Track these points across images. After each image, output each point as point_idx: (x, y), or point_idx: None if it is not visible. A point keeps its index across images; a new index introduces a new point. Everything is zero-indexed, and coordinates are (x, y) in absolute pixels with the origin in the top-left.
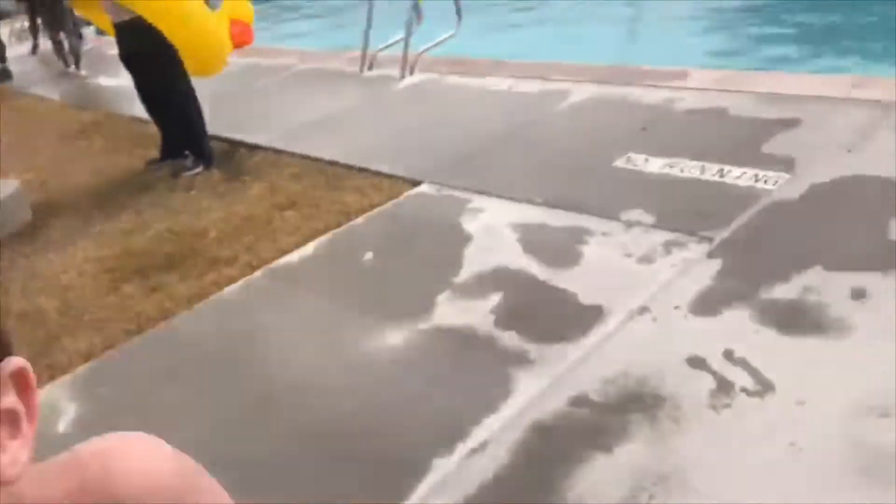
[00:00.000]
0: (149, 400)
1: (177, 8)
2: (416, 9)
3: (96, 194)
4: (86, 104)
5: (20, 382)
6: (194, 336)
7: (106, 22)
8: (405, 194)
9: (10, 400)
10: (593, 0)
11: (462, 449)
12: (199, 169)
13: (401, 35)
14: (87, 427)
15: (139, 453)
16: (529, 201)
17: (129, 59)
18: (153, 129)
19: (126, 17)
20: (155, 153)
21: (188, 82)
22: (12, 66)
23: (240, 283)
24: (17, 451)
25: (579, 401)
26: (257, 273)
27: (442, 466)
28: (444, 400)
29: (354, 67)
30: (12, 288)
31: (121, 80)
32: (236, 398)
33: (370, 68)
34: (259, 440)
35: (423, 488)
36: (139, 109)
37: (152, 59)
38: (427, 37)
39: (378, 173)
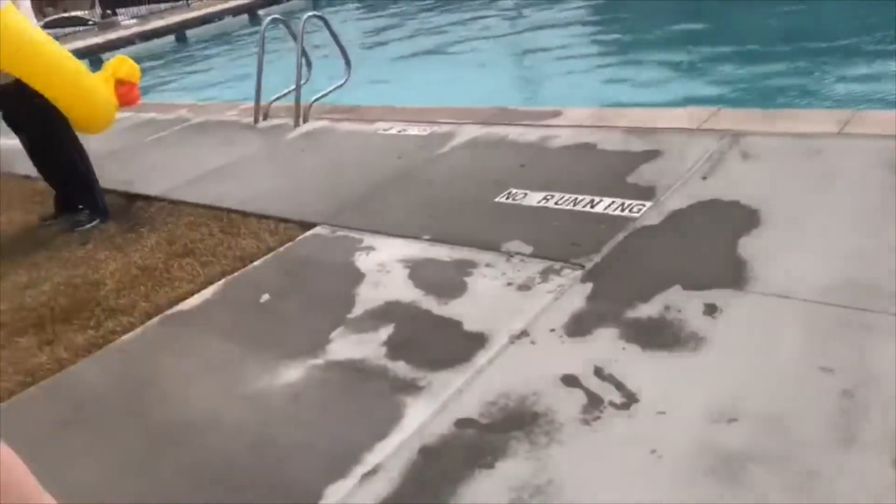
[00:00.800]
0: (45, 446)
1: (55, 71)
2: (306, 59)
3: None
4: None
5: None
6: (92, 384)
7: None
8: (300, 237)
9: None
10: (477, 40)
11: (356, 474)
12: (95, 222)
13: (292, 86)
14: None
15: None
16: (418, 238)
17: (13, 121)
18: (45, 186)
19: (4, 81)
20: (50, 209)
21: (74, 140)
22: None
23: (138, 330)
24: None
25: (464, 423)
26: (154, 320)
27: (335, 492)
28: (338, 429)
29: (249, 118)
30: None
31: (11, 140)
32: (134, 442)
33: (265, 118)
34: (155, 481)
35: None
36: (31, 167)
37: (35, 120)
38: (319, 87)
39: (274, 218)
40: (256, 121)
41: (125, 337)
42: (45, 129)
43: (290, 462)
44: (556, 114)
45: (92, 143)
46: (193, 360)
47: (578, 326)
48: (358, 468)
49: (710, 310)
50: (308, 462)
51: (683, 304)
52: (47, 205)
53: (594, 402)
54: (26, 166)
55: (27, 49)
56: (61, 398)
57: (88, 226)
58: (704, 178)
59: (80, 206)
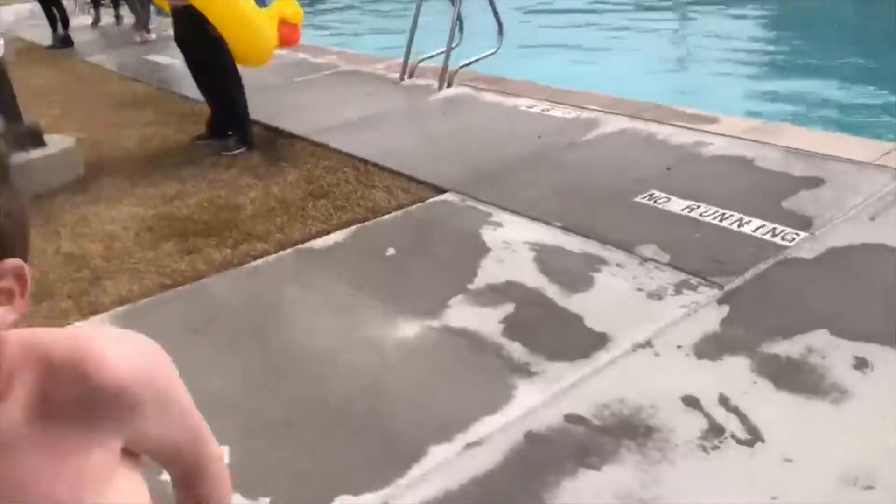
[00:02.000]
0: (175, 348)
1: (228, 4)
2: (459, 24)
3: (145, 160)
4: (140, 77)
5: (19, 274)
6: (223, 299)
7: (165, 4)
8: (430, 200)
9: (9, 283)
10: (637, 32)
11: (460, 441)
12: (241, 150)
13: (442, 48)
14: None
15: (112, 349)
16: (548, 223)
17: (182, 41)
18: (201, 108)
19: (181, 4)
20: (201, 130)
21: (235, 70)
22: (74, 36)
23: (270, 257)
24: (6, 315)
25: (574, 418)
26: (287, 251)
27: (438, 454)
28: (448, 394)
29: (394, 74)
30: (62, 231)
31: (174, 59)
32: (256, 361)
33: (410, 76)
34: (272, 402)
35: (416, 471)
36: (190, 88)
37: (201, 44)
38: (468, 53)
39: (407, 177)
40: (402, 78)
41: (258, 261)
42: (210, 54)
43: (399, 414)
44: (713, 120)
45: (245, 76)
46: (318, 297)
47: (708, 348)
48: (462, 436)
49: (861, 364)
50: (415, 418)
51: (830, 350)
52: (200, 125)
53: (715, 431)
54: (186, 87)
55: None
56: (195, 306)
57: (235, 152)
58: (872, 218)
59: (230, 133)
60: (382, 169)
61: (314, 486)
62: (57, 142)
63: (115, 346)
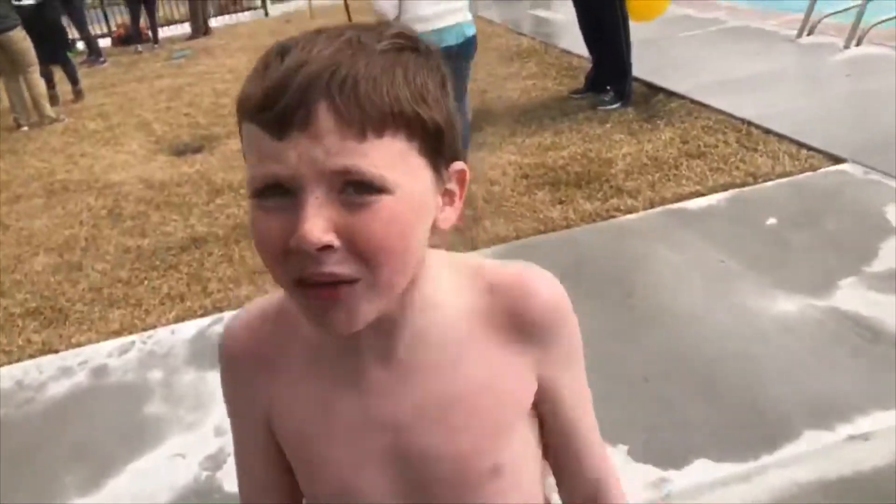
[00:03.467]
0: None
1: None
2: None
3: (524, 111)
4: (525, 31)
5: (460, 177)
6: (591, 248)
7: None
8: (823, 169)
9: (452, 186)
10: None
11: (841, 432)
12: (617, 105)
13: (854, 2)
14: None
15: (547, 281)
16: None
17: None
18: (579, 62)
19: None
20: (578, 84)
21: (626, 25)
22: None
23: (640, 213)
24: (450, 214)
25: None
26: (657, 209)
27: (814, 440)
28: (829, 378)
29: (790, 31)
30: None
31: (559, 15)
32: (619, 311)
33: (810, 33)
34: (635, 351)
35: (788, 450)
36: (570, 43)
37: None
38: (887, 9)
39: (796, 142)
40: (800, 35)
41: (627, 216)
42: (610, 4)
43: (771, 388)
44: None
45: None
46: (687, 258)
47: None
48: (846, 427)
49: None
50: (788, 396)
51: None
52: (578, 80)
53: None
54: (568, 40)
55: None
56: (564, 252)
57: (610, 107)
58: None
59: (608, 88)
60: (767, 132)
61: (671, 443)
62: None
63: (546, 281)
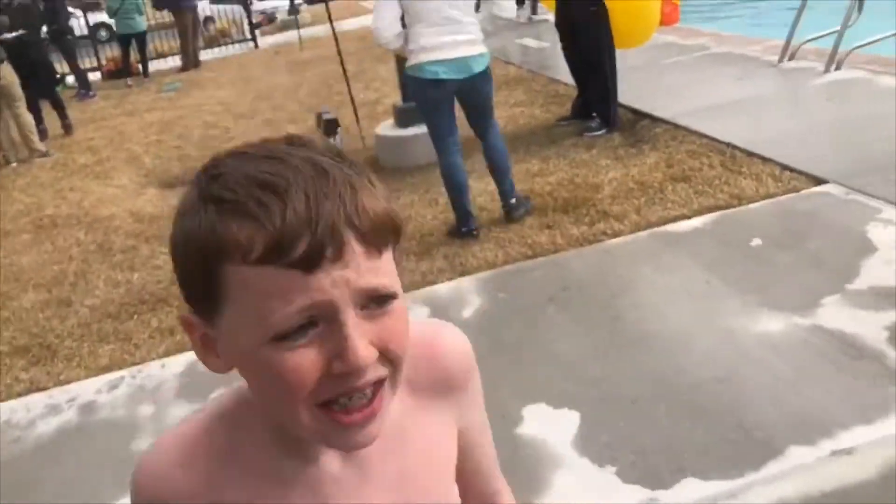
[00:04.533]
0: (533, 313)
1: None
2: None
3: (512, 138)
4: (513, 60)
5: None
6: (578, 272)
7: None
8: (805, 191)
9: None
10: None
11: (824, 447)
12: (603, 131)
13: (833, 28)
14: (492, 319)
15: (453, 336)
16: None
17: (565, 23)
18: (566, 90)
19: None
20: (565, 111)
21: (612, 49)
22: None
23: (627, 237)
24: None
25: None
26: (643, 232)
27: (797, 455)
28: (814, 395)
29: (772, 56)
30: (440, 199)
31: (546, 44)
32: (605, 333)
33: (790, 58)
34: (619, 373)
35: (773, 467)
36: (557, 71)
37: (587, 23)
38: (862, 34)
39: (779, 165)
40: (781, 60)
41: (614, 240)
42: (593, 32)
43: (755, 407)
44: None
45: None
46: (673, 280)
47: None
48: (828, 442)
49: None
50: (773, 414)
51: None
52: (564, 107)
53: None
54: (554, 69)
55: None
56: (552, 276)
57: (596, 133)
58: None
59: (594, 114)
60: (751, 155)
61: (658, 464)
62: None
63: (453, 333)
